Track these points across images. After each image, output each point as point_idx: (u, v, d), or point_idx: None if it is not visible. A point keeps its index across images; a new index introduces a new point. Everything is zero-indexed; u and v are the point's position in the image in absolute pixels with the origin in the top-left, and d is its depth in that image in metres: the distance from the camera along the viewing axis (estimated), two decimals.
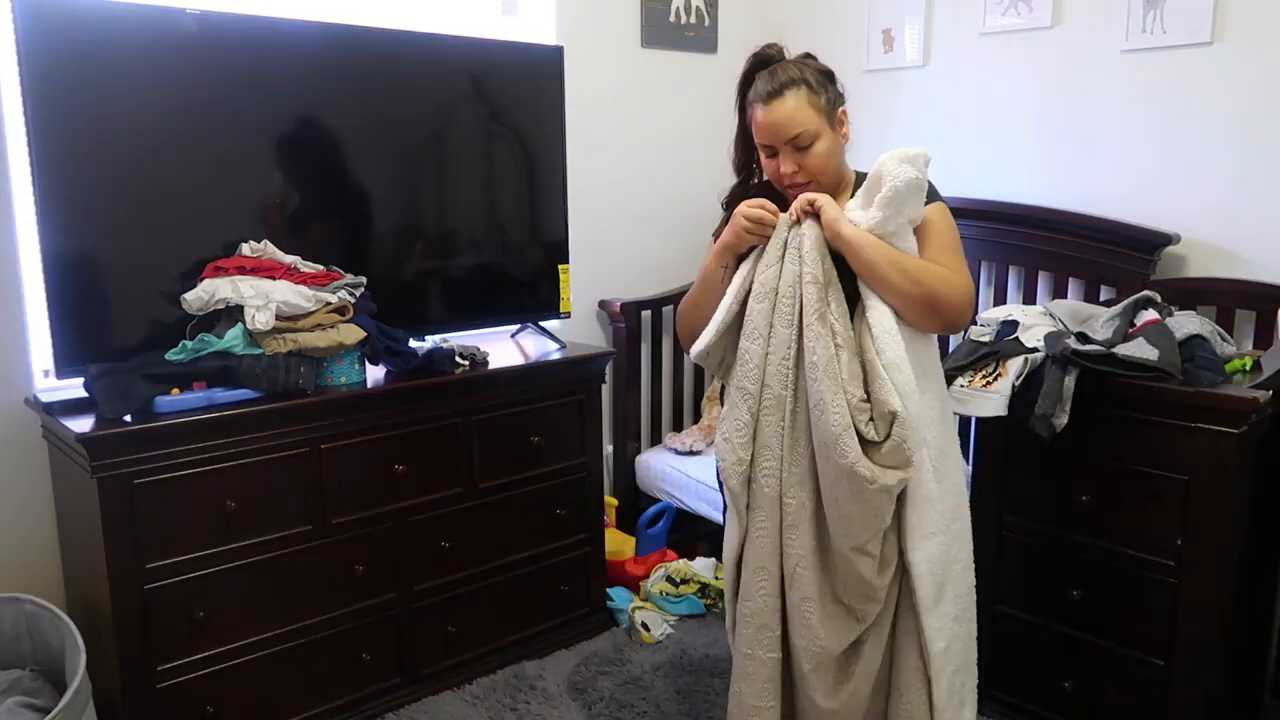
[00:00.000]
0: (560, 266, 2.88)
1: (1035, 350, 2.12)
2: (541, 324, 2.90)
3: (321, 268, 2.32)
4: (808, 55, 1.79)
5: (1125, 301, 2.25)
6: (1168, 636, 2.04)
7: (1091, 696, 2.18)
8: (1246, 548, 2.09)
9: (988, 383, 2.10)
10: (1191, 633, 2.01)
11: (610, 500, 3.18)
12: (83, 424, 1.97)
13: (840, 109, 1.77)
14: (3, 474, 2.25)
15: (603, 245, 3.25)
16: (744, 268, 1.75)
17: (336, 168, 2.45)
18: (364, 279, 2.36)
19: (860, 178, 1.81)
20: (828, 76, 1.77)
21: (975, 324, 2.27)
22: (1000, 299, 2.92)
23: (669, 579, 2.93)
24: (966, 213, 2.63)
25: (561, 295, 2.89)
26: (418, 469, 2.38)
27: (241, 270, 2.18)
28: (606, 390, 3.01)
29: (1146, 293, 2.30)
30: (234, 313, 2.14)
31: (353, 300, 2.30)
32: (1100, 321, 2.21)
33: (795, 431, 1.68)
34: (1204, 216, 2.55)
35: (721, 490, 1.89)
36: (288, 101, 2.34)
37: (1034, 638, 2.25)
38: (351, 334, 2.25)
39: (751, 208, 1.72)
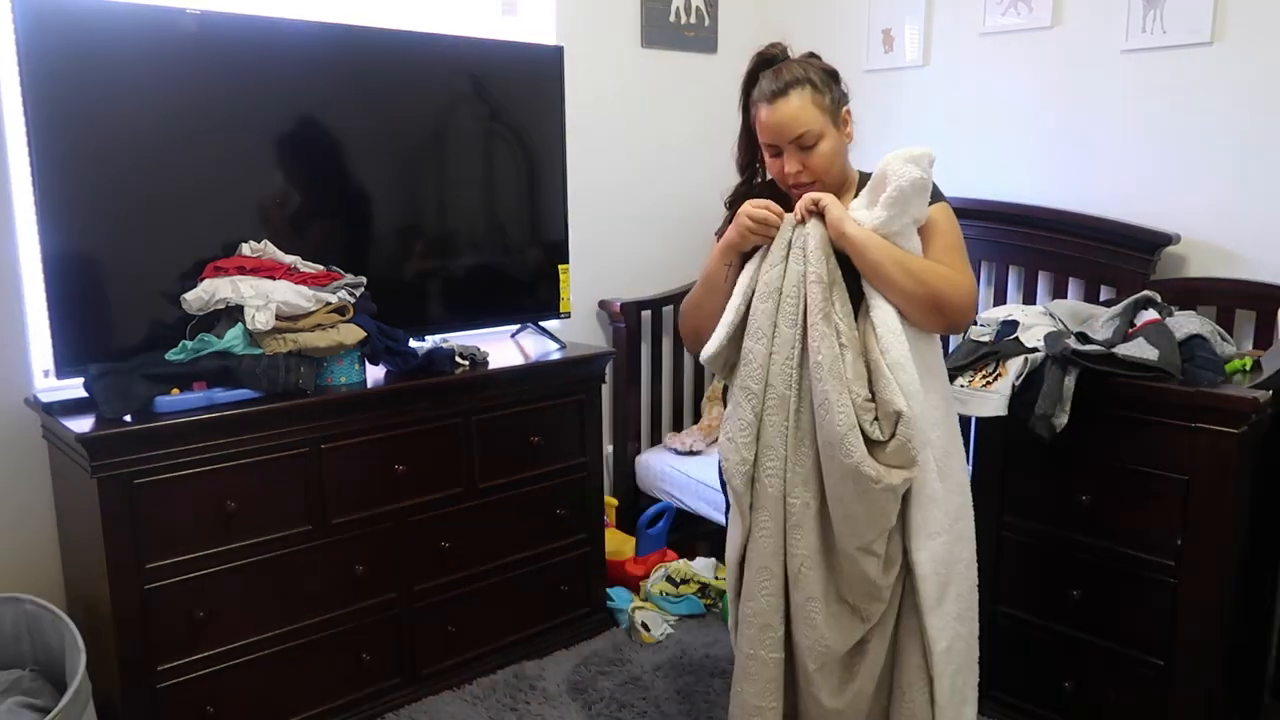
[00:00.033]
0: (560, 266, 2.88)
1: (1035, 350, 2.12)
2: (541, 324, 2.90)
3: (321, 268, 2.32)
4: (812, 55, 1.79)
5: (1125, 301, 2.25)
6: (1168, 636, 2.04)
7: (1091, 696, 2.18)
8: (1246, 548, 2.09)
9: (988, 383, 2.10)
10: (1191, 633, 2.01)
11: (610, 500, 3.18)
12: (83, 424, 1.97)
13: (845, 108, 1.77)
14: (3, 474, 2.25)
15: (603, 245, 3.25)
16: (749, 268, 1.74)
17: (336, 167, 2.45)
18: (364, 279, 2.36)
19: (864, 177, 1.81)
20: (832, 76, 1.76)
21: (975, 324, 2.27)
22: (1000, 299, 2.92)
23: (669, 579, 2.93)
24: (966, 213, 2.62)
25: (561, 295, 2.89)
26: (418, 469, 2.38)
27: (241, 270, 2.18)
28: (606, 390, 3.01)
29: (1146, 293, 2.30)
30: (234, 313, 2.14)
31: (353, 300, 2.30)
32: (1100, 321, 2.21)
33: (800, 431, 1.68)
34: (1204, 216, 2.55)
35: (724, 490, 1.89)
36: (288, 101, 2.34)
37: (1034, 638, 2.25)
38: (351, 334, 2.25)
39: (756, 208, 1.71)
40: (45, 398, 2.16)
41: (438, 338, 2.62)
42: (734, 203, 1.87)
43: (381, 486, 2.33)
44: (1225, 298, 2.49)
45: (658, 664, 2.63)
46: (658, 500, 3.18)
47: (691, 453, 3.22)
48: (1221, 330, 2.19)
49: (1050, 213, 2.78)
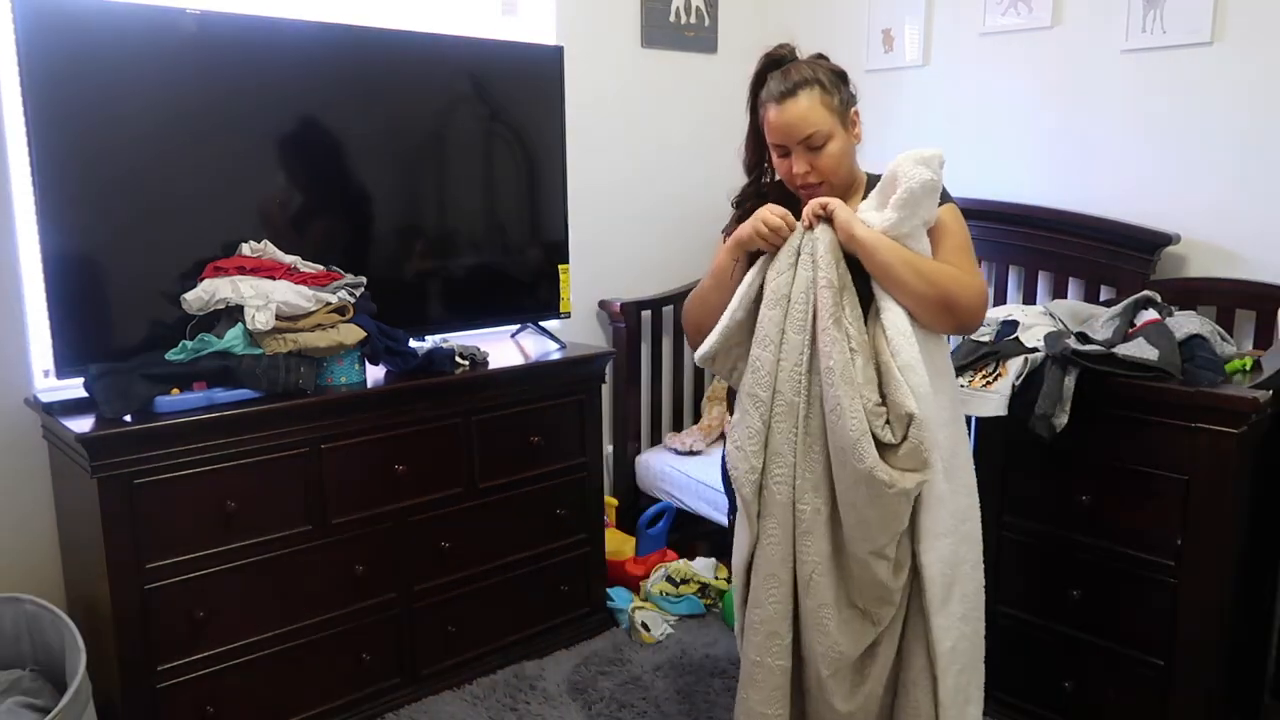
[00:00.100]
0: (560, 266, 2.88)
1: (1035, 350, 2.12)
2: (541, 324, 2.90)
3: (321, 268, 2.32)
4: (820, 56, 1.79)
5: (1125, 301, 2.25)
6: (1168, 636, 2.04)
7: (1091, 696, 2.18)
8: (1246, 548, 2.09)
9: (988, 383, 2.10)
10: (1191, 633, 2.01)
11: (610, 500, 3.18)
12: (83, 424, 1.97)
13: (853, 109, 1.76)
14: (3, 474, 2.25)
15: (603, 245, 3.25)
16: (751, 274, 1.73)
17: (336, 167, 2.45)
18: (364, 279, 2.36)
19: (871, 179, 1.81)
20: (840, 77, 1.76)
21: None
22: (1000, 299, 2.92)
23: (669, 579, 2.93)
24: (967, 213, 2.58)
25: (561, 295, 2.89)
26: (418, 469, 2.38)
27: (241, 270, 2.18)
28: (606, 390, 3.01)
29: (1146, 293, 2.30)
30: (234, 313, 2.14)
31: (353, 300, 2.30)
32: (1100, 321, 2.21)
33: (809, 438, 1.67)
34: (1204, 216, 2.55)
35: (726, 491, 1.88)
36: (287, 102, 2.34)
37: (1034, 638, 2.25)
38: (351, 334, 2.25)
39: (773, 215, 1.69)
40: (45, 398, 2.16)
41: (438, 338, 2.62)
42: (741, 202, 1.87)
43: (381, 486, 2.33)
44: (1225, 298, 2.49)
45: (658, 664, 2.63)
46: (658, 500, 3.18)
47: (691, 453, 3.22)
48: (1221, 330, 2.19)
49: (1050, 213, 2.78)
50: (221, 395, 2.10)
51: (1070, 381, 2.02)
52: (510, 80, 2.72)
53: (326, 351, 2.23)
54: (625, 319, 3.24)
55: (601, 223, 3.23)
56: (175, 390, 2.06)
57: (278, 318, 2.14)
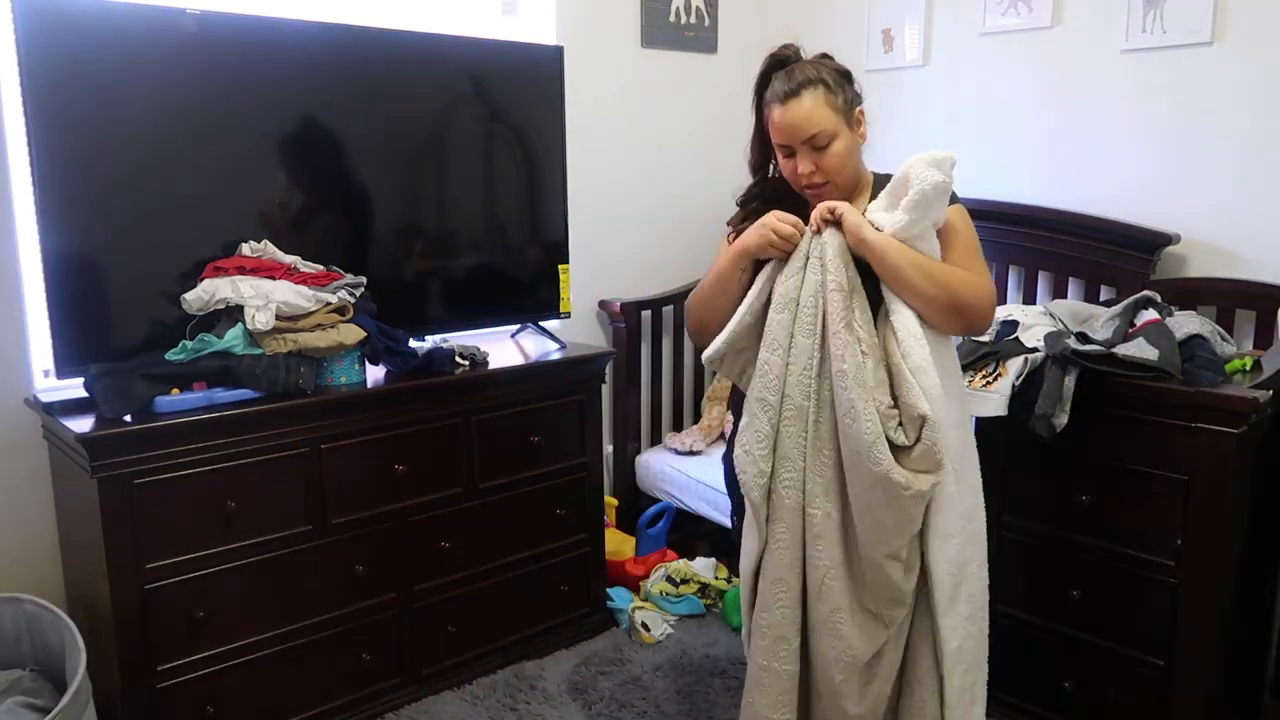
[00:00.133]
0: (560, 266, 2.88)
1: (1035, 350, 2.12)
2: (541, 324, 2.90)
3: (321, 268, 2.32)
4: (824, 55, 1.78)
5: (1125, 301, 2.25)
6: (1168, 636, 2.04)
7: (1091, 696, 2.18)
8: (1246, 548, 2.09)
9: (988, 383, 2.10)
10: (1191, 633, 2.01)
11: (610, 500, 3.18)
12: (83, 424, 1.97)
13: (858, 109, 1.76)
14: (3, 474, 2.25)
15: (603, 245, 3.25)
16: (760, 278, 1.73)
17: (336, 167, 2.45)
18: (364, 279, 2.36)
19: (878, 178, 1.80)
20: (845, 76, 1.76)
21: None
22: (1000, 299, 2.91)
23: (669, 579, 2.93)
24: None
25: (561, 295, 2.89)
26: (418, 469, 2.38)
27: (241, 270, 2.18)
28: (606, 390, 3.01)
29: (1146, 293, 2.30)
30: (234, 313, 2.14)
31: (353, 300, 2.30)
32: (1100, 321, 2.21)
33: (819, 442, 1.66)
34: (1204, 216, 2.55)
35: (730, 495, 1.88)
36: (287, 102, 2.34)
37: (1034, 638, 2.25)
38: (351, 334, 2.25)
39: (783, 223, 1.69)
40: (45, 398, 2.16)
41: (438, 338, 2.62)
42: (746, 202, 1.87)
43: (381, 486, 2.33)
44: (1225, 298, 2.49)
45: (658, 664, 2.63)
46: (658, 500, 3.18)
47: (691, 453, 3.22)
48: (1221, 330, 2.19)
49: (1050, 213, 2.78)
50: (221, 395, 2.10)
51: (1070, 381, 2.02)
52: (510, 80, 2.72)
53: (326, 351, 2.23)
54: (625, 319, 3.24)
55: (601, 223, 3.23)
56: (175, 390, 2.06)
57: (278, 318, 2.13)
